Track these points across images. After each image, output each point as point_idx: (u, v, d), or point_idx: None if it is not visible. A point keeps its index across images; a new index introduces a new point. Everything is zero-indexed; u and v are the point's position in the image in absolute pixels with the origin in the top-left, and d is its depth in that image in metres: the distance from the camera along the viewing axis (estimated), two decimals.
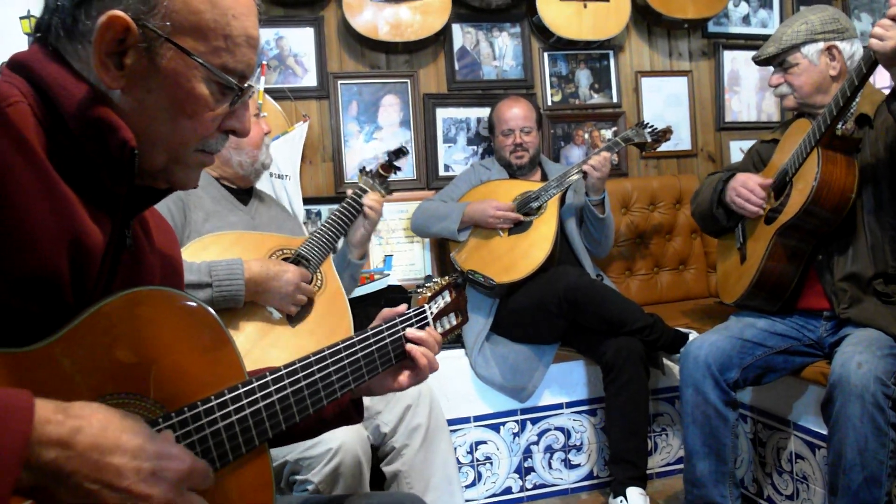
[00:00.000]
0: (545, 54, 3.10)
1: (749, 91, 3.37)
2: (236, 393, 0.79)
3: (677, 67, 3.29)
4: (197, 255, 1.62)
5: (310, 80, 2.86)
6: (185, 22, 0.72)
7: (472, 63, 3.03)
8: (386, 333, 1.02)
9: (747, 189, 1.94)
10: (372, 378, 0.99)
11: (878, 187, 1.78)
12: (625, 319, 2.15)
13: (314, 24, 2.85)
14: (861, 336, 1.67)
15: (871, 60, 1.56)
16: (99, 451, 0.61)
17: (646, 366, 2.17)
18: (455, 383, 2.30)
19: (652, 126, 2.57)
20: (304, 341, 1.67)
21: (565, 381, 2.39)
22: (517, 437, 2.36)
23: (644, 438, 2.16)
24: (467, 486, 2.31)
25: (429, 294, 1.13)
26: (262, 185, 2.31)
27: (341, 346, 0.94)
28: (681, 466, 2.21)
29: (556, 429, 2.39)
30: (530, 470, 2.38)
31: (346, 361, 0.94)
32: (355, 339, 0.97)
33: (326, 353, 0.92)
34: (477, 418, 2.33)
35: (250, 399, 0.81)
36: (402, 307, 1.08)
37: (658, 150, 2.71)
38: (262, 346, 1.61)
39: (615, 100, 3.19)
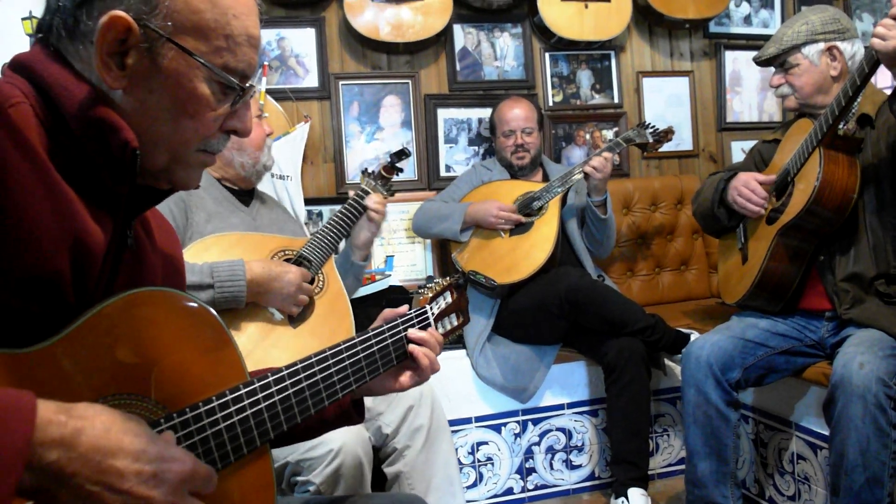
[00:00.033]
0: (546, 55, 3.10)
1: (750, 91, 3.37)
2: (238, 393, 0.79)
3: (679, 68, 3.29)
4: (199, 256, 1.62)
5: (311, 80, 2.86)
6: (187, 22, 0.72)
7: (474, 63, 3.03)
8: (387, 334, 1.02)
9: (749, 189, 1.94)
10: (373, 378, 0.99)
11: (879, 187, 1.78)
12: (626, 320, 2.15)
13: (315, 24, 2.85)
14: (863, 336, 1.67)
15: (874, 60, 1.56)
16: (101, 453, 0.60)
17: (647, 366, 2.17)
18: (456, 384, 2.30)
19: (653, 126, 2.56)
20: (306, 342, 1.67)
21: (567, 382, 2.39)
22: (518, 438, 2.36)
23: (646, 439, 2.15)
24: (469, 487, 2.31)
25: (430, 295, 1.13)
26: (264, 185, 2.31)
27: (343, 346, 0.94)
28: (682, 467, 2.21)
29: (558, 429, 2.39)
30: (532, 471, 2.38)
31: (347, 362, 0.94)
32: (357, 340, 0.97)
33: (328, 353, 0.92)
34: (478, 419, 2.33)
35: (252, 399, 0.81)
36: (404, 308, 1.08)
37: (659, 150, 2.71)
38: (264, 347, 1.61)
39: (616, 100, 3.18)
